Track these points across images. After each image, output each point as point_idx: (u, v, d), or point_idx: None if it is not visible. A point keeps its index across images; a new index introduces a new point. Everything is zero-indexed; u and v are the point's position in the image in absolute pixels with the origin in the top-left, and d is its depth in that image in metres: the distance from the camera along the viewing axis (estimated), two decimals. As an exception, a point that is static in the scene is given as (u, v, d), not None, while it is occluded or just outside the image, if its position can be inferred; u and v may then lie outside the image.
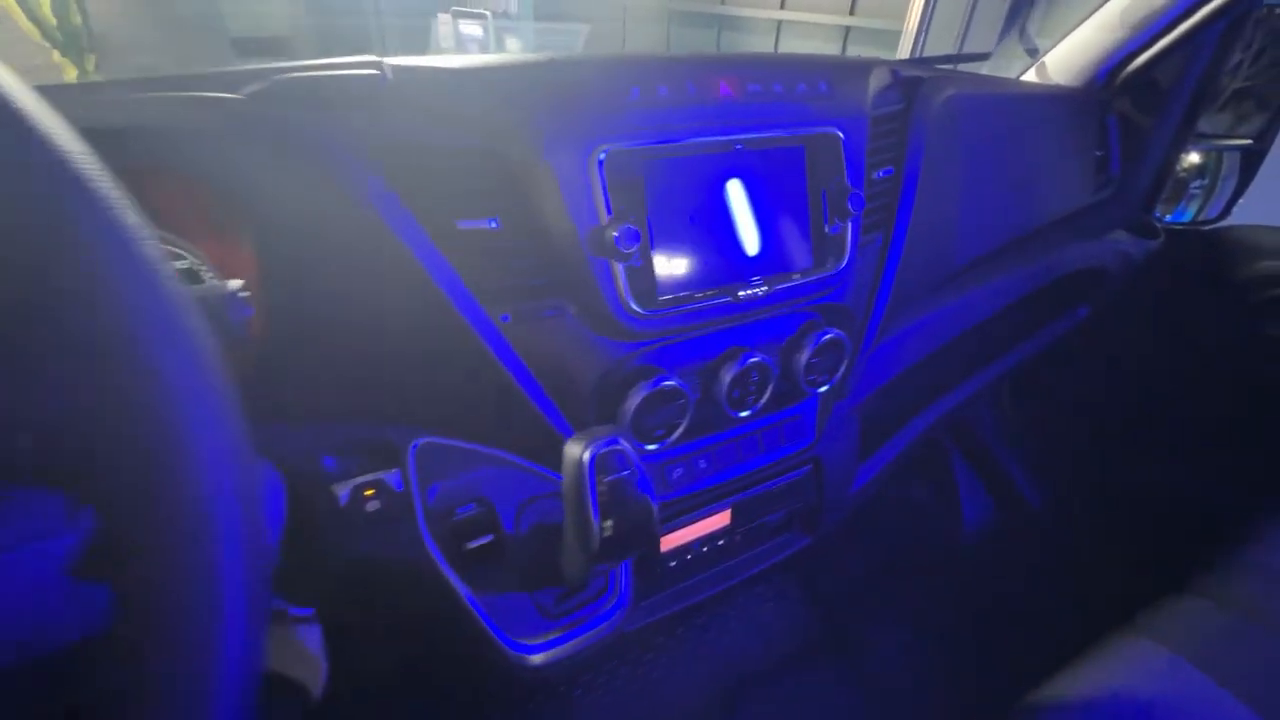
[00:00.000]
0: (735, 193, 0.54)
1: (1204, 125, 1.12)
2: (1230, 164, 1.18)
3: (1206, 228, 1.14)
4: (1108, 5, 1.00)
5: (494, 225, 0.46)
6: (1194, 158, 1.16)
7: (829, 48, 3.52)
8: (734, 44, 3.97)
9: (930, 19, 2.85)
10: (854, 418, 0.76)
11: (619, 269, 0.48)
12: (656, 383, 0.53)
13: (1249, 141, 1.18)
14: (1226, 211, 1.15)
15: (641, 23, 4.33)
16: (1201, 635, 0.61)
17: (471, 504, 0.50)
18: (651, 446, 0.55)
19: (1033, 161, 0.91)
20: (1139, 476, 1.17)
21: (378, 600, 0.52)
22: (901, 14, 2.95)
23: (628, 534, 0.40)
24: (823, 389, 0.65)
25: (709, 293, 0.53)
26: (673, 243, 0.51)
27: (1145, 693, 0.55)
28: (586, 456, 0.39)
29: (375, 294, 0.45)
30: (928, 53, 2.97)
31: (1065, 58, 1.05)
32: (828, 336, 0.62)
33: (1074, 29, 1.05)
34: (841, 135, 0.58)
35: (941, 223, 0.76)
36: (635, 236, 0.46)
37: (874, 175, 0.64)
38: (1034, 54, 1.12)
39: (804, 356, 0.61)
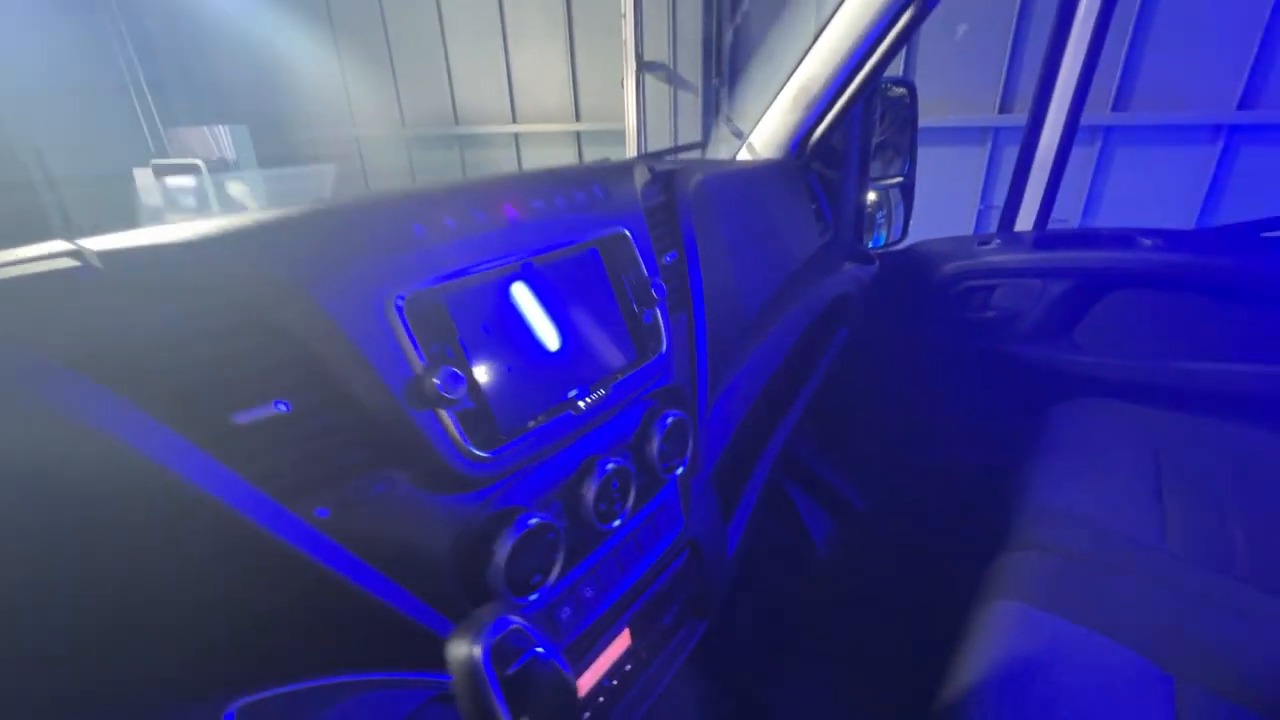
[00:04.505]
0: (547, 306, 0.52)
1: (874, 170, 1.44)
2: (895, 197, 1.52)
3: (898, 246, 1.43)
4: (782, 94, 1.23)
5: (283, 408, 0.38)
6: (872, 196, 1.49)
7: (567, 152, 3.85)
8: (479, 160, 4.13)
9: (645, 119, 3.29)
10: (710, 487, 0.77)
11: (448, 417, 0.43)
12: (521, 525, 0.47)
13: (900, 178, 1.54)
14: (904, 232, 1.48)
15: (380, 155, 4.31)
16: (1056, 586, 0.71)
17: (327, 763, 0.39)
18: (533, 597, 0.49)
19: (773, 220, 1.06)
20: (925, 456, 1.38)
21: None
22: (619, 116, 3.36)
23: (550, 727, 0.33)
24: (679, 471, 0.64)
25: (550, 412, 0.50)
26: (499, 372, 0.47)
27: (1030, 655, 0.62)
28: (478, 652, 0.32)
29: (141, 537, 0.34)
30: (650, 146, 3.41)
31: (765, 136, 1.27)
32: (671, 419, 0.62)
33: (760, 114, 1.27)
34: (628, 232, 0.60)
35: (725, 285, 0.83)
36: (458, 379, 0.42)
37: (663, 260, 0.68)
38: (740, 136, 1.34)
39: (655, 445, 0.61)
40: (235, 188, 2.65)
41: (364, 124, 4.16)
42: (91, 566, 0.32)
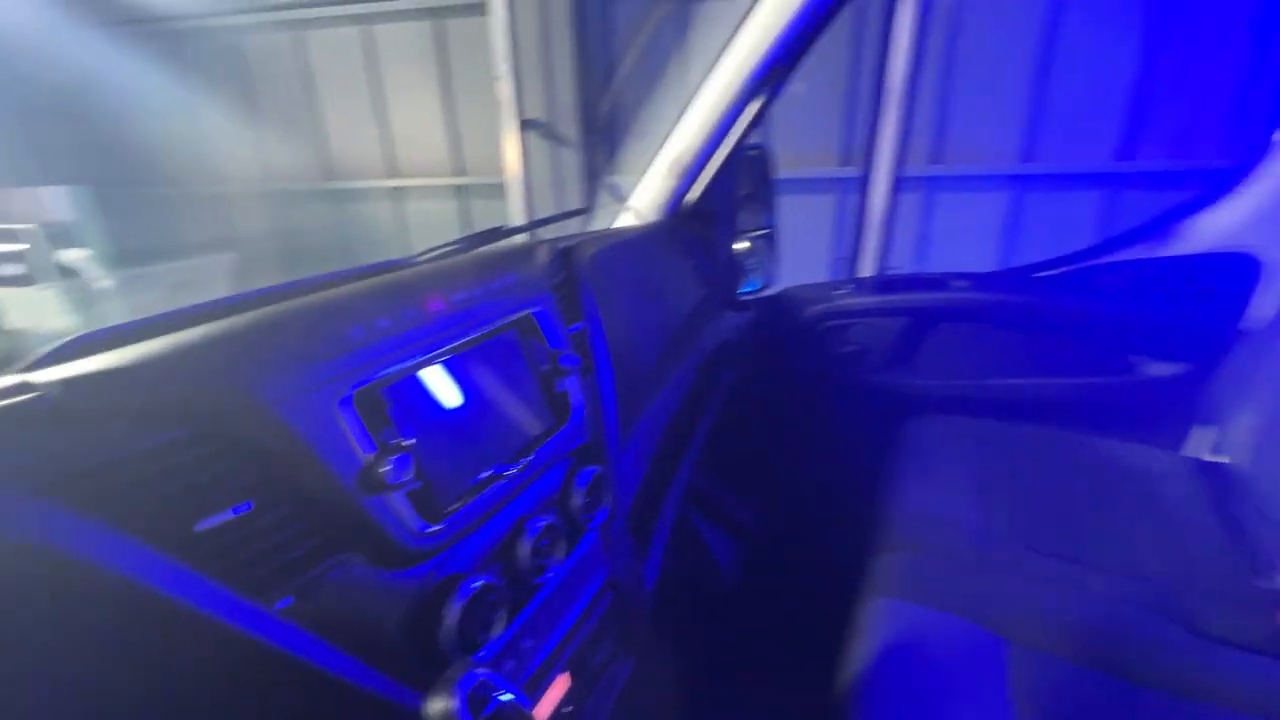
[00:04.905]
0: (474, 386, 0.58)
1: (741, 224, 1.61)
2: (762, 247, 1.71)
3: (769, 292, 1.61)
4: (658, 162, 1.37)
5: (245, 509, 0.41)
6: (744, 245, 1.66)
7: (450, 206, 3.84)
8: (360, 214, 4.00)
9: (530, 176, 3.41)
10: (626, 530, 0.84)
11: (397, 499, 0.48)
12: (466, 590, 0.52)
13: (767, 230, 1.73)
14: (773, 278, 1.67)
15: (247, 212, 4.04)
16: (916, 579, 0.85)
17: None
18: (481, 654, 0.53)
19: (661, 280, 1.18)
20: (808, 476, 1.54)
21: None
22: (501, 168, 3.44)
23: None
24: (600, 520, 0.71)
25: (485, 482, 0.56)
26: (438, 451, 0.53)
27: (897, 642, 0.74)
28: (455, 705, 0.37)
29: (117, 648, 0.35)
30: (535, 201, 3.51)
31: (646, 201, 1.40)
32: (589, 474, 0.69)
33: (639, 180, 1.41)
34: (538, 311, 0.68)
35: (625, 344, 0.93)
36: (404, 463, 0.47)
37: (571, 331, 0.76)
38: (620, 199, 1.46)
39: (576, 500, 0.68)
40: (74, 254, 2.37)
41: (227, 179, 3.91)
42: (70, 680, 0.34)
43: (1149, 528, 0.96)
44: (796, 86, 1.41)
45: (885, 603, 0.83)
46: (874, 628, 0.79)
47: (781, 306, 1.54)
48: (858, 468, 1.41)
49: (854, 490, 1.35)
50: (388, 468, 0.46)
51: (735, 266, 1.56)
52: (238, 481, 0.41)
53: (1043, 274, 1.38)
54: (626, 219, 1.38)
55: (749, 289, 1.61)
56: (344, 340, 0.48)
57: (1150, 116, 3.13)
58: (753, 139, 1.40)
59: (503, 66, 3.20)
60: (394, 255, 0.77)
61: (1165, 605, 0.81)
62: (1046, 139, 3.25)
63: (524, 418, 0.63)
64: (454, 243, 0.89)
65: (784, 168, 3.33)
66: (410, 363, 0.52)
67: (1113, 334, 1.31)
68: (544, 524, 0.62)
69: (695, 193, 1.39)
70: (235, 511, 0.41)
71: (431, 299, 0.57)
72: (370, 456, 0.46)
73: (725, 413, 1.38)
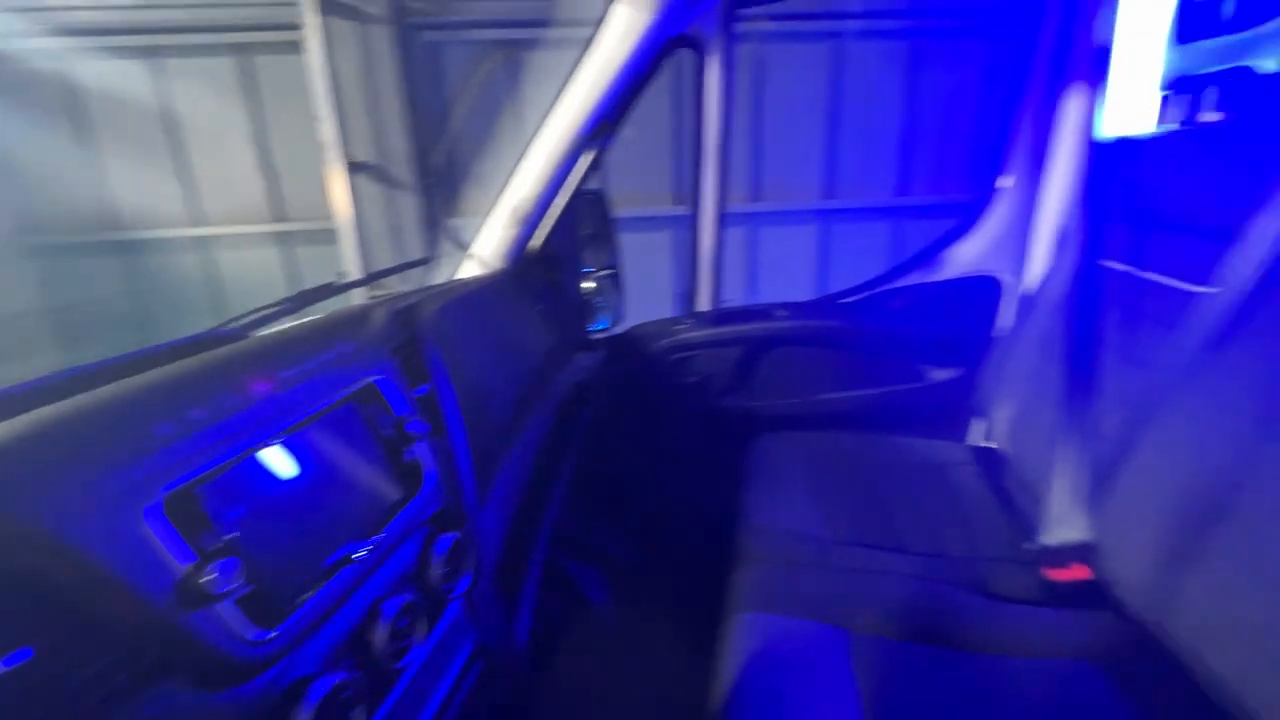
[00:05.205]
0: (312, 468, 0.55)
1: (586, 264, 1.66)
2: (610, 285, 1.78)
3: (619, 329, 1.67)
4: (498, 211, 1.39)
5: (25, 658, 0.35)
6: (591, 285, 1.71)
7: (271, 254, 3.50)
8: (164, 267, 3.47)
9: (364, 219, 3.23)
10: (493, 590, 0.83)
11: (225, 609, 0.43)
12: (316, 693, 0.48)
13: (611, 269, 1.80)
14: (622, 315, 1.74)
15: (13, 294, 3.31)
16: (770, 590, 0.93)
17: None
18: (338, 762, 0.49)
19: (510, 329, 1.19)
20: (671, 501, 1.62)
21: None
22: (330, 213, 3.22)
23: None
24: (463, 588, 0.70)
25: (330, 570, 0.52)
26: (274, 545, 0.49)
27: (759, 650, 0.81)
28: None
29: None
30: (370, 246, 3.32)
31: (489, 249, 1.40)
32: (448, 541, 0.68)
33: (480, 229, 1.41)
34: (380, 380, 0.66)
35: (478, 398, 0.92)
36: (231, 567, 0.43)
37: (417, 394, 0.74)
38: (462, 246, 1.45)
39: (437, 571, 0.65)
40: None
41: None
42: None
43: (946, 510, 1.14)
44: (629, 133, 1.50)
45: (746, 616, 0.89)
46: (737, 641, 0.85)
47: (630, 343, 1.61)
48: (713, 488, 1.50)
49: (712, 510, 1.44)
50: (211, 576, 0.42)
51: (584, 307, 1.61)
52: (10, 628, 0.35)
53: (845, 300, 1.60)
54: (470, 268, 1.37)
55: (599, 328, 1.66)
56: (148, 439, 0.43)
57: (916, 159, 3.76)
58: (592, 183, 1.47)
59: (324, 107, 3.02)
60: (207, 317, 0.70)
61: (961, 575, 0.96)
62: (842, 178, 3.77)
63: (372, 493, 0.61)
64: (281, 303, 0.83)
65: (624, 207, 3.51)
66: (234, 455, 0.48)
67: (903, 348, 1.55)
68: (402, 602, 0.59)
69: (538, 239, 1.42)
70: (7, 663, 0.35)
71: (255, 379, 0.53)
72: (189, 567, 0.42)
73: (586, 451, 1.40)
